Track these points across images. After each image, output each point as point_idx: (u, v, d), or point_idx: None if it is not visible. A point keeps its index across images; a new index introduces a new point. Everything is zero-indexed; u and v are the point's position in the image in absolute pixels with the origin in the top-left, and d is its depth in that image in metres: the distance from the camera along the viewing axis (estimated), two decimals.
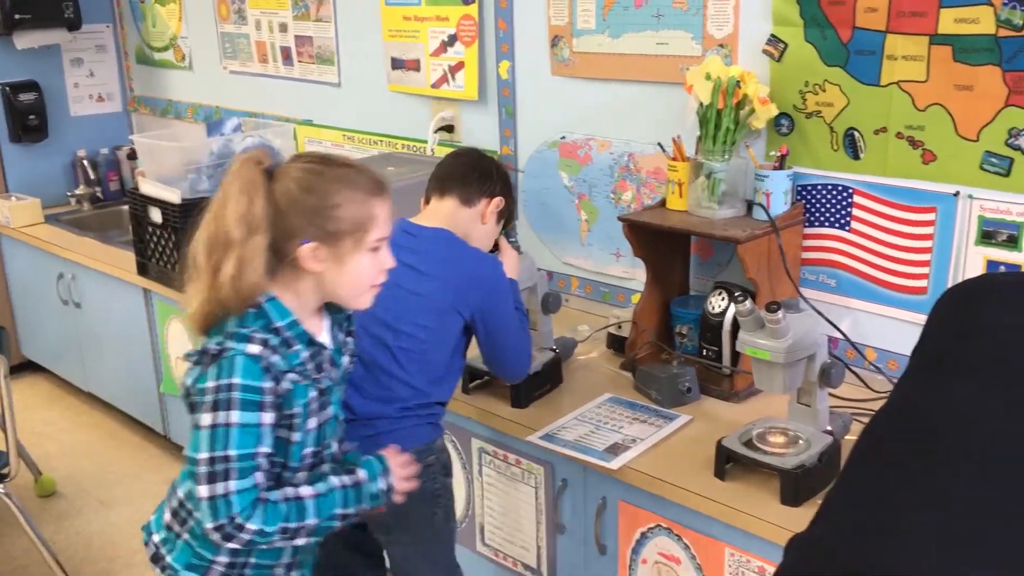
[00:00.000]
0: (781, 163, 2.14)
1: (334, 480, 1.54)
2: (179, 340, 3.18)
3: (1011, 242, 1.92)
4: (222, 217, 1.43)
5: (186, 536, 1.55)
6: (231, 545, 1.45)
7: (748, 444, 1.81)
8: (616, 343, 2.40)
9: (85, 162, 4.23)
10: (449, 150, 2.89)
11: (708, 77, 2.13)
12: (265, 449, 1.44)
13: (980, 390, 1.01)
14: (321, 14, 3.30)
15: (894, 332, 2.11)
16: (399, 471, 1.62)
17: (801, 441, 1.79)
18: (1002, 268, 1.93)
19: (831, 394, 1.89)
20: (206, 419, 1.41)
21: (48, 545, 2.89)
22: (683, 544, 1.87)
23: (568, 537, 2.11)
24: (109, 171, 4.31)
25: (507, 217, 2.08)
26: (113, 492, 3.36)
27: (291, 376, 1.46)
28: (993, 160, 1.90)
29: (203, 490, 1.41)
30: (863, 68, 2.02)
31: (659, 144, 2.34)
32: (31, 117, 4.11)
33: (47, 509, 3.27)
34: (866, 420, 1.13)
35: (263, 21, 3.55)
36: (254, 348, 1.42)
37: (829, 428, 1.83)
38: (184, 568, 1.55)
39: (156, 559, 1.58)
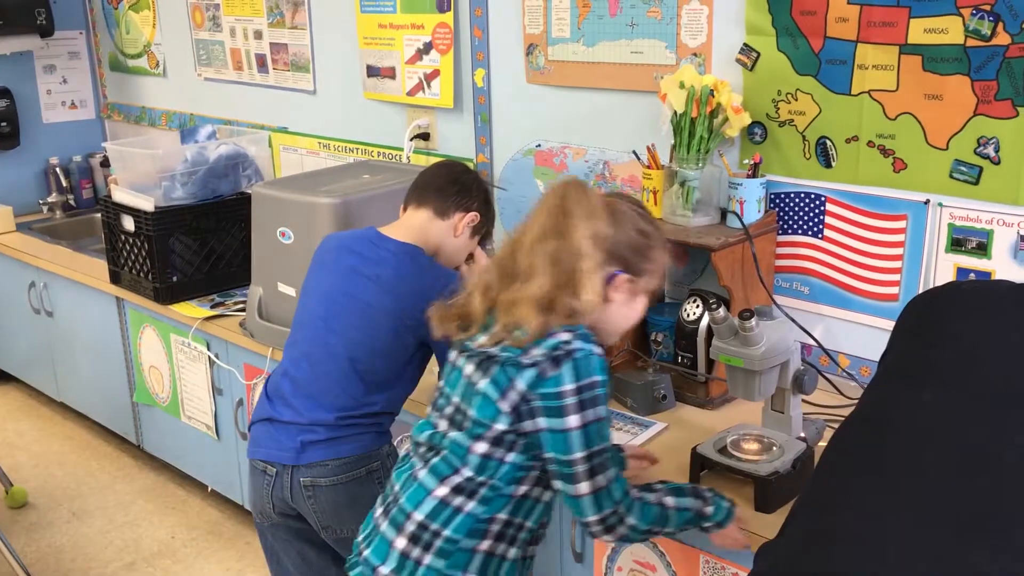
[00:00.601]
0: (754, 171, 2.15)
1: (688, 500, 1.57)
2: (152, 349, 3.16)
3: (980, 249, 1.94)
4: (569, 235, 1.49)
5: (429, 559, 1.53)
6: (607, 538, 1.50)
7: (723, 451, 1.81)
8: None
9: (58, 169, 4.19)
10: (425, 158, 2.90)
11: (682, 86, 2.14)
12: None
13: (947, 397, 1.02)
14: (296, 21, 3.29)
15: (866, 339, 2.12)
16: (735, 536, 1.63)
17: (775, 448, 1.80)
18: (972, 275, 1.96)
19: (804, 401, 1.91)
20: (574, 420, 1.44)
21: (19, 557, 2.85)
22: (658, 551, 1.87)
23: (545, 545, 2.10)
24: (82, 179, 4.27)
25: (485, 234, 2.08)
26: (86, 503, 3.33)
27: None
28: (962, 168, 1.92)
29: (585, 486, 1.45)
30: (834, 77, 2.04)
31: (634, 152, 2.35)
32: (3, 124, 4.07)
33: (18, 521, 3.23)
34: (840, 424, 1.14)
35: (238, 28, 3.53)
36: (597, 348, 1.47)
37: (803, 434, 1.84)
38: None
39: None
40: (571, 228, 1.49)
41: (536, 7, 2.54)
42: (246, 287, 2.75)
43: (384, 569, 1.56)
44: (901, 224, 2.04)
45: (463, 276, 2.04)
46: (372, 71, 3.04)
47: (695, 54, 2.26)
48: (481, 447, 1.50)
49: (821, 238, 2.16)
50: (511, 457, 1.49)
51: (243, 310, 2.81)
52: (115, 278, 3.16)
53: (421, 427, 1.62)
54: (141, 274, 3.00)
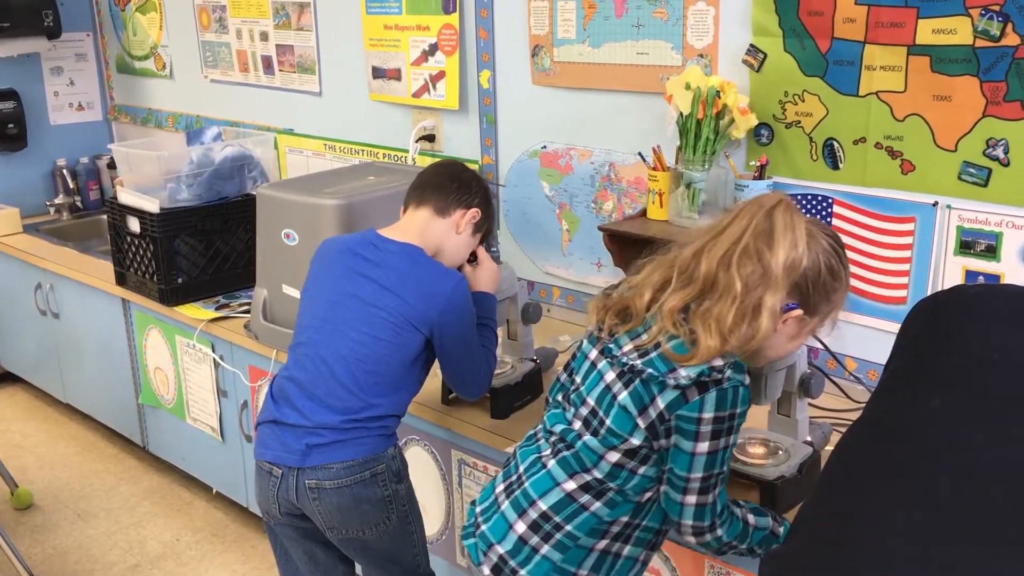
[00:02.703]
0: (761, 173, 2.14)
1: (765, 520, 1.57)
2: (157, 351, 3.16)
3: (989, 252, 1.92)
4: (767, 262, 1.41)
5: (546, 549, 1.52)
6: (692, 540, 1.50)
7: None
8: None
9: (65, 171, 4.20)
10: (430, 160, 2.89)
11: (688, 87, 2.13)
12: None
13: (955, 403, 1.00)
14: (302, 23, 3.29)
15: (874, 342, 2.11)
16: None
17: (781, 452, 1.79)
18: (980, 278, 1.94)
19: (811, 404, 1.89)
20: (703, 446, 1.41)
21: (23, 559, 2.85)
22: (663, 556, 1.86)
23: None
24: (89, 180, 4.28)
25: (486, 231, 2.08)
26: (91, 504, 3.32)
27: None
28: (971, 170, 1.91)
29: (692, 499, 1.46)
30: (842, 78, 2.03)
31: (639, 154, 2.34)
32: (10, 126, 4.08)
33: (23, 522, 3.23)
34: (846, 430, 1.12)
35: (244, 30, 3.53)
36: (747, 379, 1.44)
37: (809, 439, 1.82)
38: None
39: (499, 570, 1.55)
40: (771, 255, 1.41)
41: (542, 8, 2.53)
42: (251, 289, 2.74)
43: (500, 548, 1.55)
44: (909, 226, 2.02)
45: (467, 277, 2.03)
46: (378, 72, 3.04)
47: (701, 55, 2.25)
48: (614, 456, 1.47)
49: None
50: (643, 469, 1.47)
51: (248, 312, 2.80)
52: (121, 280, 3.16)
53: (555, 417, 1.58)
54: (146, 276, 3.00)
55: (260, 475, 1.94)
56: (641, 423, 1.43)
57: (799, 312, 1.46)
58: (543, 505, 1.53)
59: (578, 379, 1.57)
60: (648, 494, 1.51)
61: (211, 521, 3.20)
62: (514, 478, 1.59)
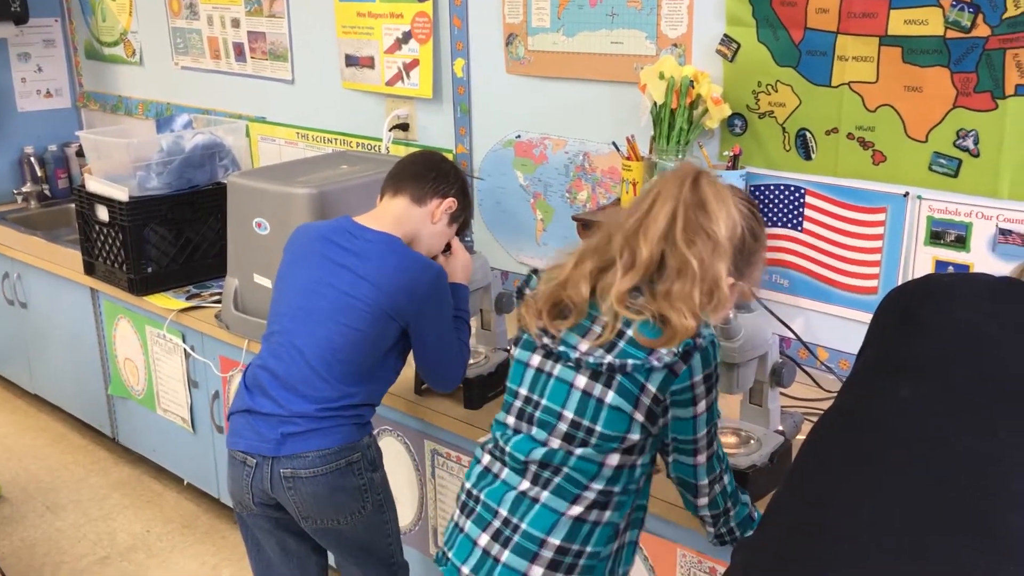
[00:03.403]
0: (734, 163, 2.14)
1: (747, 497, 1.60)
2: (127, 341, 3.12)
3: (959, 242, 1.93)
4: (716, 236, 1.41)
5: None
6: (703, 501, 1.52)
7: None
8: None
9: (32, 159, 4.14)
10: (404, 149, 2.87)
11: (662, 76, 2.12)
12: None
13: (926, 392, 1.00)
14: (274, 10, 3.26)
15: (845, 332, 2.12)
16: None
17: (753, 441, 1.79)
18: (950, 268, 1.95)
19: (783, 394, 1.90)
20: (702, 406, 1.44)
21: None
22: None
23: None
24: (57, 168, 4.22)
25: (463, 223, 2.07)
26: (59, 496, 3.29)
27: None
28: (942, 161, 1.92)
29: (703, 457, 1.48)
30: (815, 69, 2.03)
31: (613, 143, 2.34)
32: None
33: None
34: (817, 420, 1.12)
35: (215, 16, 3.49)
36: (712, 328, 1.46)
37: (780, 428, 1.83)
38: None
39: None
40: (715, 227, 1.41)
41: None
42: (222, 278, 2.71)
43: None
44: (880, 217, 2.03)
45: (441, 266, 2.02)
46: (351, 60, 3.01)
47: (675, 45, 2.25)
48: (615, 459, 1.44)
49: (800, 231, 2.15)
50: (641, 459, 1.47)
51: (219, 301, 2.78)
52: (89, 269, 3.12)
53: (523, 443, 1.49)
54: (116, 265, 2.97)
55: (233, 465, 1.93)
56: (638, 416, 1.41)
57: (731, 280, 1.47)
58: (556, 540, 1.45)
59: (524, 392, 1.51)
60: (643, 478, 1.51)
61: (182, 512, 3.17)
62: (498, 524, 1.49)
